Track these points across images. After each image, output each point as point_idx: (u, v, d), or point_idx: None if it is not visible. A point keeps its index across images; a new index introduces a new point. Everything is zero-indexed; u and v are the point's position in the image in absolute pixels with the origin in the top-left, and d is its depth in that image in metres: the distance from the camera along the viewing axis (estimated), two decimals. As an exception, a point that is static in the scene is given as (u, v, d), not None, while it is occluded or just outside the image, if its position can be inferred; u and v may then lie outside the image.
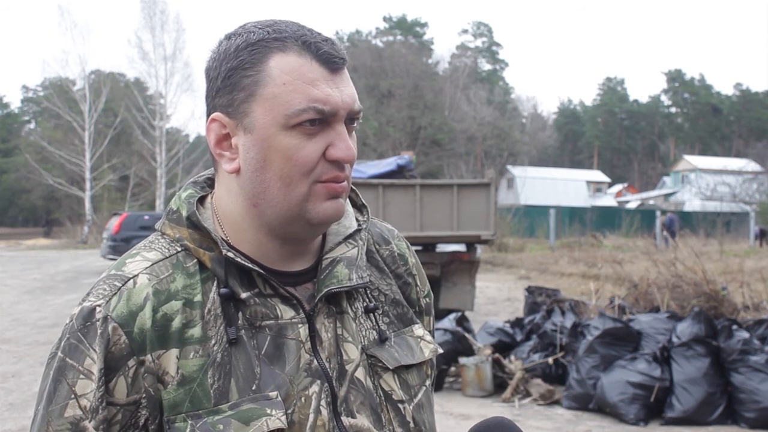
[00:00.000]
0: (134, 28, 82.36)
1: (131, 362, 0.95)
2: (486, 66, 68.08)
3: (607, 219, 35.06)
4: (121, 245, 18.74)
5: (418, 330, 1.16)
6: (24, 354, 8.50)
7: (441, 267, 10.35)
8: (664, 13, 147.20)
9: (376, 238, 1.19)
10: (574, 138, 79.60)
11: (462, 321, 7.32)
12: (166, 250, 1.04)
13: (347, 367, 1.04)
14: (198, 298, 1.00)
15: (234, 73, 0.99)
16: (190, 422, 0.95)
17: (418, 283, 1.22)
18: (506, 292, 15.04)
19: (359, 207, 1.18)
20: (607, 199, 57.49)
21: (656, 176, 72.32)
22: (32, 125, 59.59)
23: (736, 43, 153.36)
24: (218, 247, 1.01)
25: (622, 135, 78.91)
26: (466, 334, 7.01)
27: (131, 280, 0.99)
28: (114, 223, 20.42)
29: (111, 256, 19.22)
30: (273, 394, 0.98)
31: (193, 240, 1.03)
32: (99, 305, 0.97)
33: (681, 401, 5.72)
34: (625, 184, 67.83)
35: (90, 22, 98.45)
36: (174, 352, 0.97)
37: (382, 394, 1.06)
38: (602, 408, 5.99)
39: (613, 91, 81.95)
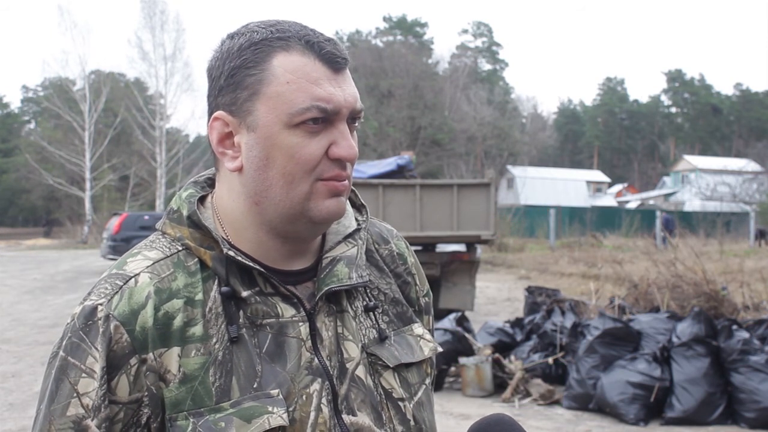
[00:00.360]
0: (134, 28, 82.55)
1: (133, 360, 0.96)
2: (486, 66, 68.05)
3: (607, 219, 35.06)
4: (121, 245, 18.74)
5: (418, 329, 1.17)
6: (24, 354, 8.50)
7: (441, 267, 10.35)
8: (664, 13, 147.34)
9: (376, 238, 1.20)
10: (574, 138, 79.60)
11: (462, 321, 7.32)
12: (167, 249, 1.04)
13: (348, 366, 1.05)
14: (199, 296, 1.00)
15: (237, 71, 1.00)
16: (191, 420, 0.95)
17: (417, 283, 1.22)
18: (506, 292, 15.04)
19: (358, 207, 1.19)
20: (607, 199, 57.49)
21: (656, 176, 72.32)
22: (32, 125, 59.63)
23: (736, 43, 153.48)
24: (219, 246, 1.02)
25: (622, 135, 78.90)
26: (466, 334, 7.02)
27: (133, 279, 1.00)
28: (114, 223, 20.43)
29: (111, 256, 19.23)
30: (274, 391, 0.98)
31: (194, 239, 1.03)
32: (101, 304, 0.98)
33: (681, 401, 5.73)
34: (625, 184, 67.82)
35: (90, 22, 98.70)
36: (176, 351, 0.97)
37: (382, 392, 1.07)
38: (602, 408, 5.99)
39: (613, 91, 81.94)
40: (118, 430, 0.96)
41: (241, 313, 1.01)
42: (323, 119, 0.99)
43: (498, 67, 69.30)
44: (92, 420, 0.94)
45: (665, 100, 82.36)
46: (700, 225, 29.69)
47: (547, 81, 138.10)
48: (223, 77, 1.01)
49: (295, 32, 1.00)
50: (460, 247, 10.73)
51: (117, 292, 0.98)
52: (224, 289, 1.01)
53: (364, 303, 1.11)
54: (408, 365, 1.11)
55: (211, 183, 1.12)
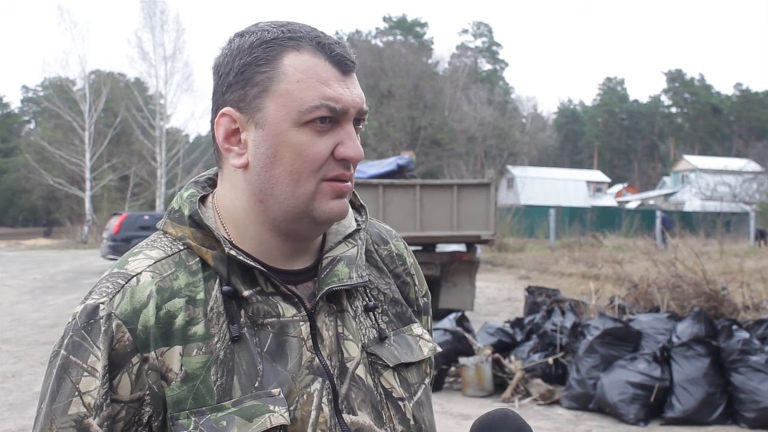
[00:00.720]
0: (134, 28, 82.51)
1: (135, 359, 0.96)
2: (486, 66, 68.08)
3: (607, 219, 35.02)
4: (121, 245, 18.75)
5: (417, 329, 1.18)
6: (24, 354, 8.50)
7: (441, 267, 10.35)
8: (664, 13, 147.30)
9: (375, 238, 1.21)
10: (574, 138, 79.59)
11: (462, 321, 7.32)
12: (169, 249, 1.04)
13: (348, 365, 1.05)
14: (201, 295, 1.01)
15: (247, 68, 1.01)
16: (193, 419, 0.95)
17: (417, 283, 1.23)
18: (506, 292, 15.04)
19: (357, 207, 1.19)
20: (607, 199, 57.46)
21: (656, 176, 72.34)
22: (32, 125, 59.64)
23: (736, 43, 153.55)
24: (220, 245, 1.02)
25: (622, 135, 78.90)
26: (466, 334, 7.02)
27: (134, 278, 1.00)
28: (114, 223, 20.43)
29: (111, 256, 19.23)
30: (275, 391, 0.99)
31: (196, 238, 1.04)
32: (102, 303, 0.98)
33: (681, 401, 5.73)
34: (625, 184, 67.78)
35: (90, 22, 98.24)
36: (177, 349, 0.98)
37: (382, 392, 1.08)
38: (602, 408, 5.99)
39: (613, 91, 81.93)
40: (120, 429, 0.96)
41: (242, 312, 1.02)
42: (331, 119, 1.01)
43: (498, 67, 69.33)
44: (94, 419, 0.94)
45: (665, 100, 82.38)
46: (700, 225, 29.70)
47: (547, 81, 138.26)
48: (232, 74, 1.02)
49: (306, 33, 1.02)
50: (460, 247, 10.73)
51: (119, 291, 0.99)
52: (226, 288, 1.01)
53: (364, 303, 1.12)
54: (408, 365, 1.12)
55: (211, 183, 1.13)
